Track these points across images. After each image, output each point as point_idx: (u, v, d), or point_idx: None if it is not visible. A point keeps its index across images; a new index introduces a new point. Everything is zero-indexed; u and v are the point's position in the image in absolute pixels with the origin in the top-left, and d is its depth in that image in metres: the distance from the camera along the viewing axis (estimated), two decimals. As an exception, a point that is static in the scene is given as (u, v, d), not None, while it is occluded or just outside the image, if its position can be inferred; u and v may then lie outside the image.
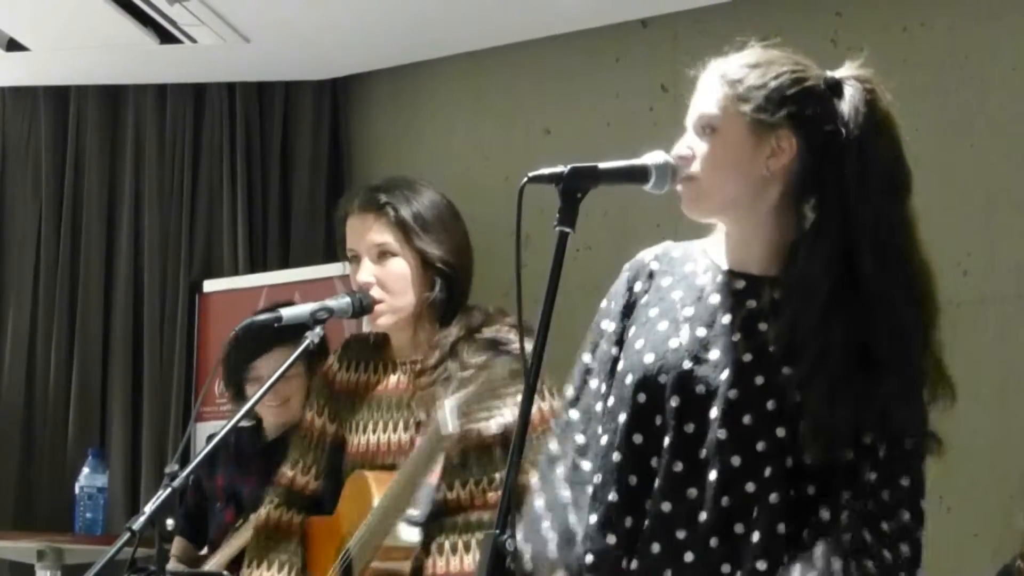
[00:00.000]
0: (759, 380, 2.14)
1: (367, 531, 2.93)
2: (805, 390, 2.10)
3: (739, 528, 2.12)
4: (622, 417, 2.21)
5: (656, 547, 2.15)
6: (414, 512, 2.86)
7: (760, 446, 2.12)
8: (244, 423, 3.86)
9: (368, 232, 3.06)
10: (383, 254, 3.05)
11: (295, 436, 3.24)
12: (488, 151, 5.34)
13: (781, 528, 2.10)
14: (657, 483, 2.17)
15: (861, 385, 2.09)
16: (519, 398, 2.54)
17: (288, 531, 3.13)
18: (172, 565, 4.21)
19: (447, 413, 2.74)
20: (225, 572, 4.00)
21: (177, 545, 4.28)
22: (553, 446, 2.32)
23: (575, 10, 5.01)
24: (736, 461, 2.12)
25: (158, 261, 5.62)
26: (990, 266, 4.38)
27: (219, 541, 4.14)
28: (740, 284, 2.23)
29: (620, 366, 2.26)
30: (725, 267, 2.26)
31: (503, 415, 2.72)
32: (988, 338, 4.29)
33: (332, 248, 5.29)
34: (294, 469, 3.17)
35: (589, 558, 2.20)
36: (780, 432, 2.12)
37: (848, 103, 2.18)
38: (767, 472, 2.11)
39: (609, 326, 2.31)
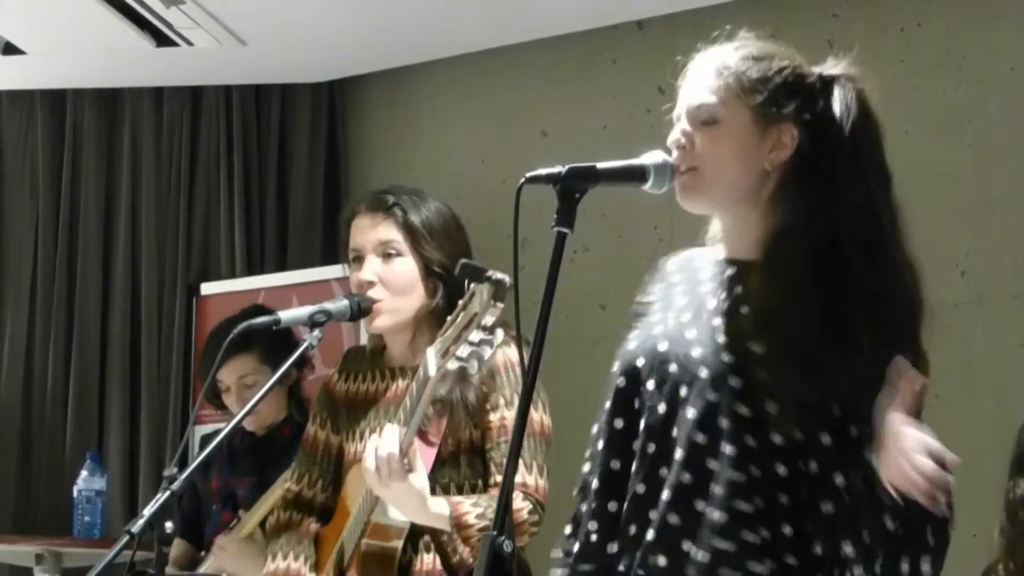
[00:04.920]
0: (727, 359, 2.13)
1: (358, 510, 2.91)
2: (772, 367, 2.07)
3: (700, 506, 2.09)
4: (606, 404, 2.23)
5: (632, 529, 2.15)
6: None
7: (723, 424, 2.10)
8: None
9: (375, 229, 3.05)
10: (389, 252, 3.04)
11: (300, 450, 3.20)
12: (485, 153, 5.33)
13: (742, 507, 2.07)
14: (634, 465, 2.17)
15: (836, 362, 2.06)
16: (497, 333, 2.45)
17: (300, 530, 3.09)
18: (169, 570, 4.21)
19: (429, 357, 2.60)
20: (224, 574, 4.01)
21: (176, 547, 4.28)
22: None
23: (571, 12, 5.01)
24: (700, 439, 2.11)
25: (155, 264, 5.62)
26: (988, 266, 4.37)
27: (217, 544, 4.14)
28: (731, 271, 2.24)
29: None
30: (723, 257, 2.27)
31: (483, 352, 2.48)
32: (985, 338, 4.29)
33: (330, 250, 5.29)
34: (300, 483, 3.14)
35: (576, 546, 2.21)
36: (743, 410, 2.10)
37: (840, 101, 2.20)
38: (728, 450, 2.09)
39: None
